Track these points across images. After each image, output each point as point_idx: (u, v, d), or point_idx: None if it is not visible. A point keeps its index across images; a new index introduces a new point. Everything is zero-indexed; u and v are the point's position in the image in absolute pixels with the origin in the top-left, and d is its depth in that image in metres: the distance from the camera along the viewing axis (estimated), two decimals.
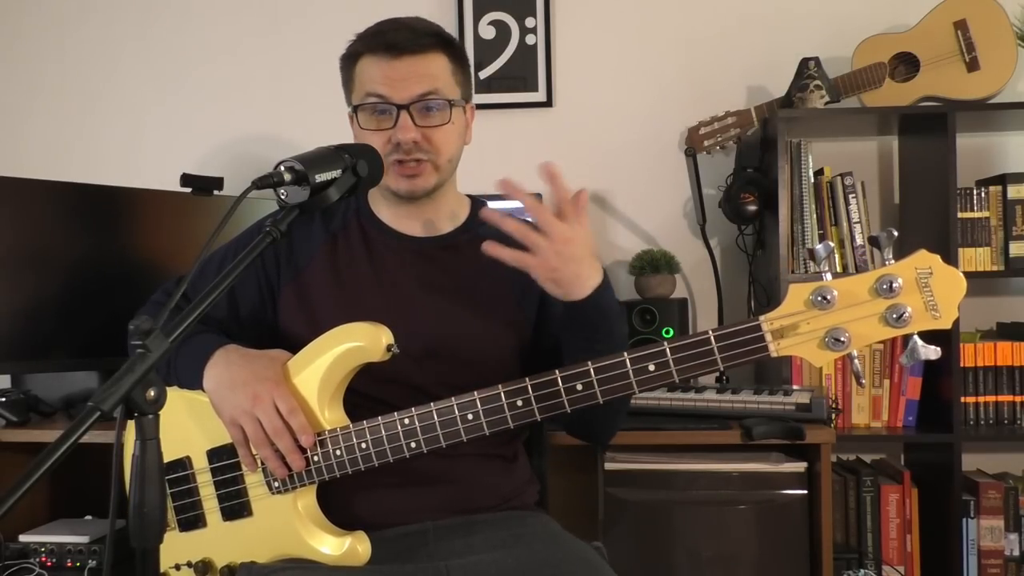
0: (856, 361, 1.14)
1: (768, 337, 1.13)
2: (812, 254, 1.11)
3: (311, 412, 1.31)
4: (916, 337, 1.11)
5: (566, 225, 1.26)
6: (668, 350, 1.18)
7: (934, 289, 1.09)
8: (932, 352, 1.10)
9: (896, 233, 1.10)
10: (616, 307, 1.35)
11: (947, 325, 1.10)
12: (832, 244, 1.12)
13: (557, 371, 1.22)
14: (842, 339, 1.10)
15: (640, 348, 1.20)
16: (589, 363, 1.21)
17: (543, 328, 1.48)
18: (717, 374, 2.02)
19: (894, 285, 1.08)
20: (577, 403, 1.22)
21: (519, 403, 1.22)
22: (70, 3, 2.81)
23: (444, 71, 1.43)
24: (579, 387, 1.21)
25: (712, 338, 1.16)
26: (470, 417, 1.26)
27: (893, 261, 1.10)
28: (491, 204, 1.60)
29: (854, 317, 1.10)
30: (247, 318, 1.49)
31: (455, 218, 1.52)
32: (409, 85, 1.39)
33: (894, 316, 1.09)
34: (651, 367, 1.18)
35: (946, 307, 1.09)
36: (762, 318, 1.14)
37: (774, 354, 1.13)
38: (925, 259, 1.09)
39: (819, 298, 1.10)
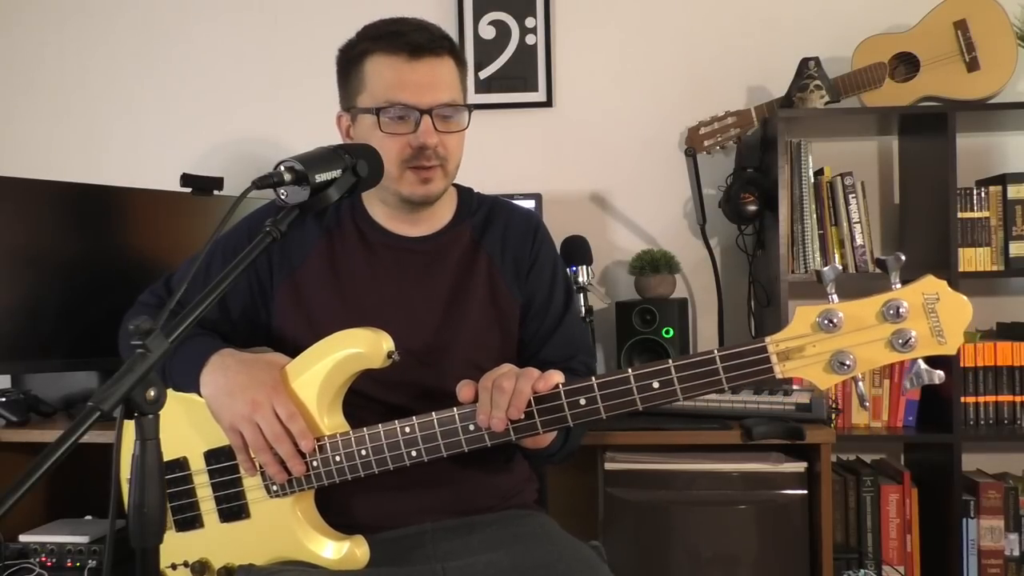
0: (861, 384, 1.15)
1: (774, 359, 1.14)
2: (819, 276, 1.11)
3: (310, 417, 1.30)
4: (920, 362, 1.12)
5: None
6: (672, 368, 1.18)
7: (940, 315, 1.10)
8: (936, 377, 1.11)
9: (903, 258, 1.09)
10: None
11: (952, 351, 1.10)
12: (840, 267, 1.12)
13: (560, 385, 1.22)
14: (847, 363, 1.11)
15: (644, 365, 1.19)
16: (593, 379, 1.21)
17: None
18: None
19: (900, 310, 1.09)
20: (580, 417, 1.22)
21: (522, 416, 1.22)
22: (70, 3, 2.81)
23: (455, 76, 1.43)
24: (583, 402, 1.21)
25: (717, 358, 1.16)
26: (471, 428, 1.26)
27: (900, 285, 1.10)
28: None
29: (860, 341, 1.11)
30: (239, 319, 1.49)
31: (446, 213, 1.52)
32: (431, 90, 1.38)
33: (900, 341, 1.10)
34: (655, 384, 1.18)
35: (952, 333, 1.10)
36: (768, 339, 1.14)
37: (779, 376, 1.14)
38: (932, 284, 1.10)
39: (826, 321, 1.11)
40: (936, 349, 1.11)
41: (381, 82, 1.39)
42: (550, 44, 2.66)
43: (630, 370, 1.20)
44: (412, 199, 1.42)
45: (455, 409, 1.27)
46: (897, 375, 2.37)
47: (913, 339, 1.09)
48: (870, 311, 1.11)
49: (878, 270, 1.11)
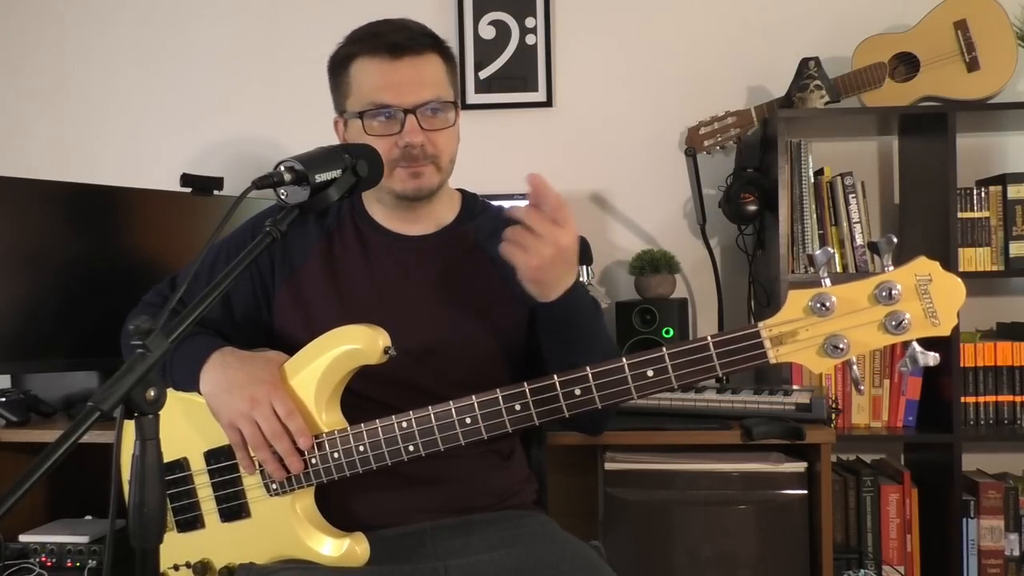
0: (855, 368, 1.14)
1: (767, 344, 1.13)
2: (811, 260, 1.11)
3: (309, 414, 1.31)
4: (915, 344, 1.10)
5: (562, 231, 1.24)
6: (667, 356, 1.17)
7: (933, 296, 1.09)
8: (931, 359, 1.10)
9: (895, 239, 1.09)
10: (591, 305, 1.36)
11: (946, 332, 1.10)
12: (832, 250, 1.11)
13: (556, 376, 1.22)
14: (841, 346, 1.10)
15: (639, 353, 1.19)
16: (588, 368, 1.21)
17: (531, 326, 1.49)
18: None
19: (893, 292, 1.08)
20: (575, 408, 1.22)
21: (517, 407, 1.22)
22: (70, 3, 2.81)
23: (441, 73, 1.43)
24: (577, 392, 1.21)
25: (711, 344, 1.16)
26: (468, 421, 1.26)
27: (892, 268, 1.10)
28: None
29: (853, 324, 1.10)
30: (241, 319, 1.49)
31: (447, 215, 1.52)
32: (414, 89, 1.38)
33: (893, 323, 1.09)
34: (649, 372, 1.18)
35: (945, 314, 1.09)
36: (761, 324, 1.14)
37: (773, 361, 1.13)
38: (925, 266, 1.09)
39: (818, 305, 1.10)
40: (930, 330, 1.10)
41: (365, 85, 1.40)
42: (550, 44, 2.66)
43: (624, 359, 1.20)
44: (405, 194, 1.43)
45: (451, 403, 1.27)
46: (897, 374, 2.37)
47: (906, 321, 1.08)
48: (863, 294, 1.10)
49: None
